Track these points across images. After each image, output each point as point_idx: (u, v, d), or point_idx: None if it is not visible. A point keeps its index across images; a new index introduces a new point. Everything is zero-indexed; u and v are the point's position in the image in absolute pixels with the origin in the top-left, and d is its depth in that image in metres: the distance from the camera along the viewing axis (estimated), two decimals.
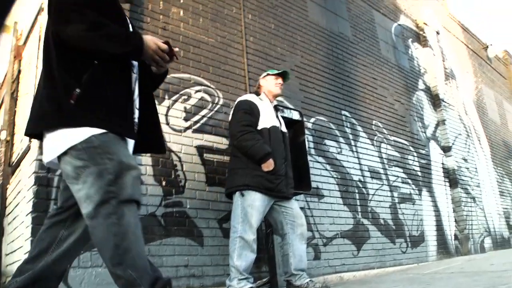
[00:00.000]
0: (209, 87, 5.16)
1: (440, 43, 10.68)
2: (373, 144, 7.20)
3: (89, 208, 1.88)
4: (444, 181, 8.76)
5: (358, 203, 6.48)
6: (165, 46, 2.24)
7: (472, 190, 9.49)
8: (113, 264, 1.87)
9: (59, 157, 1.97)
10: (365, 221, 6.47)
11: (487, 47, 14.38)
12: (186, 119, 4.83)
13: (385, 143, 7.45)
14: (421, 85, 9.31)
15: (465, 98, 11.19)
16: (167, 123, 4.66)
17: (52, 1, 2.07)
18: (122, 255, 1.85)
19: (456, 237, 8.49)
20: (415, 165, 8.00)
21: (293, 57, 6.39)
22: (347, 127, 6.85)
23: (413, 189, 7.69)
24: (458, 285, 3.45)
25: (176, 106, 4.79)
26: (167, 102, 4.71)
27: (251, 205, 3.93)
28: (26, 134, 2.12)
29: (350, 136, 6.84)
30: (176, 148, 4.64)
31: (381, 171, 7.14)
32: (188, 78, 4.99)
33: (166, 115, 4.68)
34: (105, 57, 2.07)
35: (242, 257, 3.85)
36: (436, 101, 9.50)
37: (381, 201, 6.88)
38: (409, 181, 7.67)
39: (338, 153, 6.48)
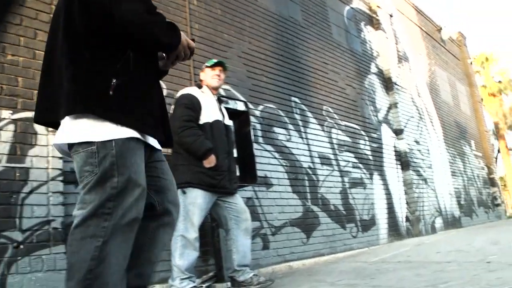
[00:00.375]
0: None
1: (393, 25, 10.74)
2: (323, 130, 7.23)
3: (79, 214, 1.71)
4: (396, 164, 8.90)
5: (308, 190, 6.52)
6: (193, 44, 2.06)
7: (424, 171, 9.68)
8: (75, 285, 1.65)
9: (72, 144, 1.77)
10: (315, 208, 6.52)
11: (441, 29, 14.56)
12: None
13: (336, 128, 7.49)
14: (373, 69, 9.37)
15: (418, 80, 11.34)
16: None
17: None
18: (91, 282, 1.65)
19: (407, 219, 8.67)
20: (366, 149, 8.10)
21: (240, 44, 6.30)
22: (296, 113, 6.84)
23: (364, 173, 7.79)
24: (402, 279, 3.50)
25: None
26: None
27: (193, 203, 3.88)
28: (42, 120, 1.93)
29: (300, 123, 6.84)
30: None
31: (332, 156, 7.19)
32: None
33: None
34: (147, 45, 1.88)
35: (184, 256, 3.81)
36: (388, 84, 9.58)
37: (332, 187, 6.94)
38: (360, 165, 7.77)
39: (287, 141, 6.48)
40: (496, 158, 43.05)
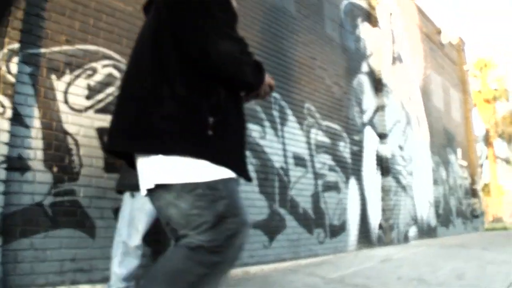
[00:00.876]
0: (120, 62, 4.70)
1: (392, 24, 10.41)
2: (302, 129, 6.94)
3: (195, 240, 1.63)
4: (376, 169, 8.65)
5: (277, 192, 6.26)
6: (273, 83, 2.03)
7: (404, 178, 9.47)
8: None
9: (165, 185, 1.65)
10: (282, 211, 6.27)
11: (441, 31, 14.25)
12: (88, 97, 4.39)
13: (315, 128, 7.21)
14: (364, 68, 9.06)
15: (411, 83, 11.06)
16: (66, 102, 4.22)
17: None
18: None
19: (380, 226, 8.46)
20: (346, 152, 7.83)
21: None
22: (275, 110, 6.54)
23: (340, 176, 7.54)
24: None
25: (78, 82, 4.32)
26: (67, 78, 4.24)
27: (140, 209, 3.60)
28: (118, 149, 1.80)
29: (278, 120, 6.55)
30: (73, 130, 4.21)
31: (307, 157, 6.92)
32: (95, 50, 4.52)
33: (65, 92, 4.23)
34: (235, 85, 1.82)
35: (124, 264, 3.56)
36: (378, 85, 9.29)
37: (303, 190, 6.69)
38: (337, 168, 7.51)
39: (261, 138, 6.20)
40: (482, 165, 43.24)
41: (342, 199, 7.47)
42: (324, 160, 7.22)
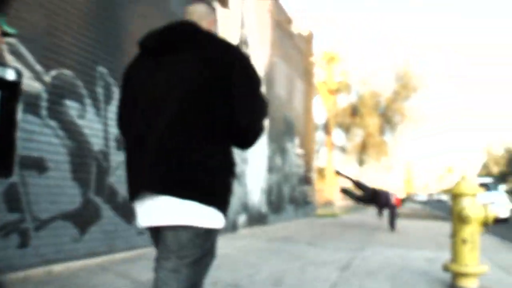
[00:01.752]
0: None
1: (243, 7, 10.14)
2: None
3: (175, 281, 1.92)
4: None
5: (94, 178, 5.63)
6: None
7: (238, 166, 9.30)
8: None
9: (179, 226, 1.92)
10: (98, 199, 5.67)
11: (292, 21, 14.40)
12: None
13: None
14: None
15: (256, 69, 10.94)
16: None
17: (255, 76, 2.06)
18: None
19: None
20: None
21: None
22: (99, 86, 5.87)
23: None
24: None
25: None
26: None
27: None
28: (148, 187, 1.94)
29: (101, 98, 5.89)
30: None
31: None
32: None
33: None
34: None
35: None
36: None
37: (124, 176, 6.09)
38: None
39: (80, 117, 5.50)
40: (319, 151, 45.90)
41: None
42: None
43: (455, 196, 4.37)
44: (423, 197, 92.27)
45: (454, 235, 4.32)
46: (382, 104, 41.66)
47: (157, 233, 2.05)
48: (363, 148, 41.31)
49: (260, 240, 7.89)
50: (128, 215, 6.10)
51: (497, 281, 4.64)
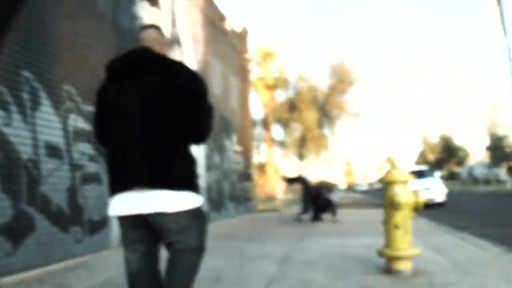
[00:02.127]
0: None
1: (174, 5, 10.02)
2: (58, 115, 6.12)
3: (192, 243, 2.56)
4: None
5: (25, 188, 5.39)
6: None
7: None
8: None
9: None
10: (31, 210, 5.43)
11: (225, 18, 14.38)
12: None
13: (75, 113, 6.44)
14: None
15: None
16: None
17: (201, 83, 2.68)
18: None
19: None
20: None
21: None
22: (25, 92, 5.61)
23: (102, 167, 6.87)
24: None
25: None
26: None
27: None
28: (138, 182, 2.44)
29: (28, 104, 5.64)
30: None
31: (64, 147, 6.13)
32: None
33: None
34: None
35: None
36: None
37: (58, 184, 5.91)
38: (99, 158, 6.82)
39: (6, 125, 5.24)
40: (259, 147, 46.19)
41: (104, 191, 6.83)
42: (84, 149, 6.50)
43: (387, 183, 4.48)
44: (363, 187, 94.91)
45: (386, 221, 4.44)
46: (320, 98, 42.37)
47: (137, 221, 2.51)
48: (302, 143, 41.85)
49: None
50: (65, 224, 5.91)
51: (430, 262, 4.83)
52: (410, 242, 4.35)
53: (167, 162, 2.45)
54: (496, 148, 55.20)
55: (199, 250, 2.57)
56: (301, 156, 43.53)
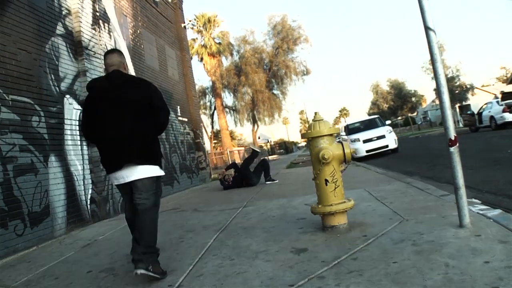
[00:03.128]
0: None
1: None
2: None
3: (148, 204, 3.66)
4: (81, 140, 7.99)
5: None
6: None
7: None
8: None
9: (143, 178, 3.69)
10: None
11: None
12: None
13: None
14: (60, 30, 8.13)
15: (119, 43, 10.54)
16: None
17: (158, 93, 3.94)
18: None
19: (93, 201, 7.94)
20: (41, 127, 6.94)
21: None
22: None
23: (36, 156, 6.68)
24: None
25: None
26: None
27: None
28: (129, 161, 3.64)
29: None
30: None
31: None
32: None
33: None
34: (160, 132, 4.05)
35: None
36: (78, 48, 8.52)
37: None
38: (32, 147, 6.61)
39: None
40: (212, 115, 46.02)
41: (41, 181, 6.65)
42: (13, 140, 6.25)
43: (312, 139, 4.38)
44: None
45: (316, 177, 4.35)
46: (265, 60, 42.21)
47: (128, 186, 3.73)
48: (253, 106, 41.84)
49: None
50: (3, 219, 5.74)
51: (370, 213, 4.86)
52: (342, 196, 4.27)
53: (144, 147, 3.69)
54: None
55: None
56: (254, 120, 43.63)
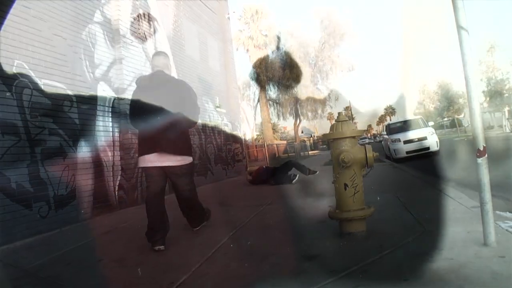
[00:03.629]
0: None
1: None
2: (11, 91, 5.95)
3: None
4: (113, 126, 8.07)
5: None
6: None
7: None
8: None
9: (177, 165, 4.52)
10: None
11: None
12: None
13: (30, 88, 6.25)
14: (98, 17, 8.23)
15: (159, 32, 10.60)
16: None
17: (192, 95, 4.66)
18: None
19: (121, 187, 8.01)
20: (72, 112, 7.06)
21: None
22: None
23: (65, 140, 6.77)
24: None
25: None
26: None
27: None
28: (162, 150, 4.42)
29: None
30: None
31: (20, 123, 5.97)
32: None
33: None
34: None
35: None
36: (115, 36, 8.60)
37: (16, 161, 5.80)
38: (61, 131, 6.71)
39: None
40: (256, 107, 45.98)
41: (69, 165, 6.76)
42: (43, 124, 6.35)
43: (333, 140, 4.15)
44: (365, 139, 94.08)
45: (335, 181, 4.08)
46: (311, 54, 41.85)
47: (160, 170, 4.44)
48: (297, 100, 41.59)
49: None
50: (28, 201, 5.84)
51: (392, 220, 4.51)
52: (362, 202, 4.02)
53: (179, 138, 4.50)
54: (495, 93, 53.51)
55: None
56: (296, 114, 43.36)
